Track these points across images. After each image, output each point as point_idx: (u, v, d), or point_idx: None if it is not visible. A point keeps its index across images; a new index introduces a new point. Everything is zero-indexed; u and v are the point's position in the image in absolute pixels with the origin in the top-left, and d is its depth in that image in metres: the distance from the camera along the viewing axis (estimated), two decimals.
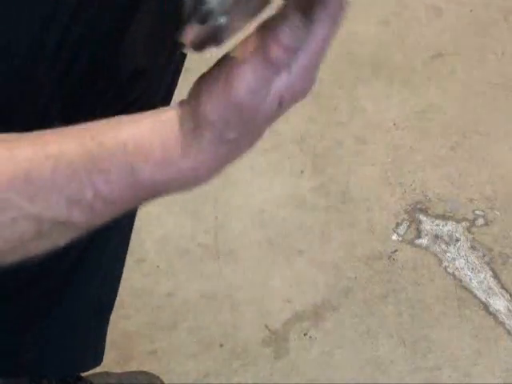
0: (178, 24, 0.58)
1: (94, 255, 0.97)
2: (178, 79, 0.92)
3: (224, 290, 1.44)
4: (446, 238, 1.51)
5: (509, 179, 1.59)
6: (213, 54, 0.63)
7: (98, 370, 1.27)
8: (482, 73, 1.78)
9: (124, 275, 1.08)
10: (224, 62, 0.54)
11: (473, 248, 1.49)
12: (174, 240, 1.49)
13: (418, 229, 1.52)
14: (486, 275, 1.46)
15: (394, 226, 1.53)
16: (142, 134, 0.54)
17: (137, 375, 1.30)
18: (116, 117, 0.56)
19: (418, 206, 1.56)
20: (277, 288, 1.44)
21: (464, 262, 1.47)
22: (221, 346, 1.37)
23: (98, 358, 1.12)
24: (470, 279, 1.45)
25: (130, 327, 1.39)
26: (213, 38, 0.54)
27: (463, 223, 1.53)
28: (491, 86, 1.76)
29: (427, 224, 1.53)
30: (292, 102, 0.54)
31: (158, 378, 1.30)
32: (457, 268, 1.47)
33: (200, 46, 0.57)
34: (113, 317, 1.12)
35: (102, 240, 0.97)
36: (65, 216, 0.54)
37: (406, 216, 1.54)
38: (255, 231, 1.51)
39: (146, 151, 0.54)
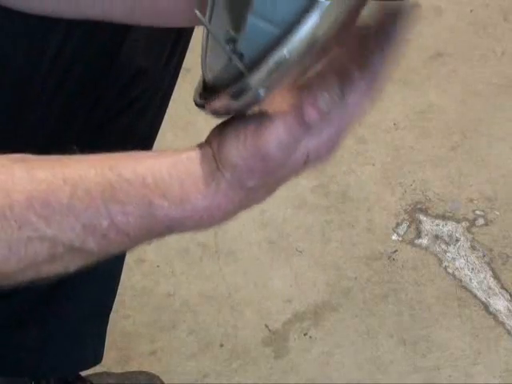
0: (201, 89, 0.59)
1: None
2: (177, 78, 0.92)
3: (224, 290, 1.44)
4: (445, 238, 1.51)
5: (509, 179, 1.59)
6: None
7: (97, 370, 1.27)
8: (482, 73, 1.78)
9: (124, 275, 1.08)
10: (255, 112, 0.54)
11: (473, 248, 1.49)
12: (173, 240, 1.49)
13: (417, 229, 1.52)
14: (486, 275, 1.45)
15: (394, 225, 1.53)
16: (162, 170, 0.54)
17: (137, 375, 1.30)
18: (136, 151, 0.57)
19: (418, 206, 1.56)
20: (277, 288, 1.44)
21: (464, 262, 1.47)
22: (221, 346, 1.37)
23: (97, 357, 1.12)
24: (470, 279, 1.45)
25: (130, 327, 1.39)
26: (244, 109, 0.55)
27: (463, 223, 1.53)
28: (491, 85, 1.76)
29: (427, 224, 1.53)
30: (315, 163, 0.55)
31: (158, 377, 1.30)
32: (457, 268, 1.47)
33: (223, 114, 0.57)
34: (113, 317, 1.12)
35: None
36: (79, 242, 0.54)
37: (406, 216, 1.54)
38: (255, 231, 1.51)
39: (164, 187, 0.54)
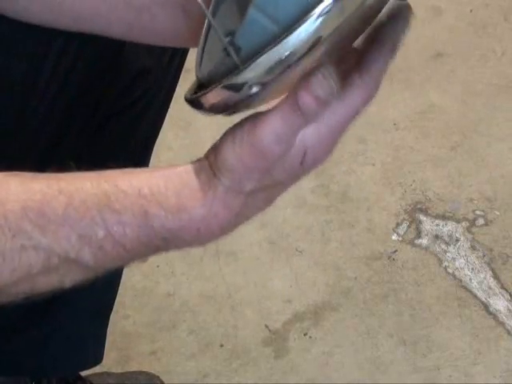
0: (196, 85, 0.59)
1: None
2: (179, 78, 0.92)
3: (224, 290, 1.44)
4: (446, 238, 1.51)
5: (509, 179, 1.59)
6: None
7: (97, 370, 1.27)
8: (482, 73, 1.78)
9: (124, 275, 1.08)
10: (252, 114, 0.54)
11: (473, 248, 1.49)
12: None
13: (417, 229, 1.52)
14: (486, 275, 1.45)
15: (394, 225, 1.53)
16: (158, 182, 0.54)
17: (137, 375, 1.30)
18: (130, 168, 0.57)
19: (418, 206, 1.56)
20: (277, 288, 1.44)
21: (464, 262, 1.47)
22: (221, 346, 1.37)
23: (98, 358, 1.12)
24: (470, 279, 1.45)
25: (130, 327, 1.39)
26: (238, 105, 0.54)
27: (463, 223, 1.53)
28: (491, 86, 1.76)
29: (427, 224, 1.53)
30: (312, 164, 0.54)
31: (158, 377, 1.30)
32: (457, 268, 1.47)
33: (220, 110, 0.57)
34: (113, 317, 1.12)
35: None
36: (74, 253, 0.54)
37: (406, 216, 1.54)
38: (255, 231, 1.52)
39: (161, 197, 0.54)
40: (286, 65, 0.51)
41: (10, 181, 0.54)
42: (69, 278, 0.56)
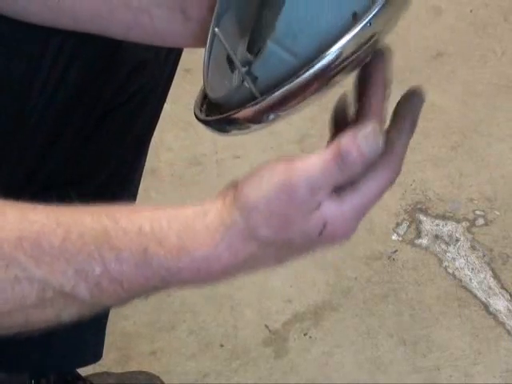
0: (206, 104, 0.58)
1: None
2: (175, 71, 0.92)
3: (224, 290, 1.44)
4: (446, 238, 1.51)
5: (509, 179, 1.59)
6: None
7: (98, 370, 1.27)
8: (482, 73, 1.78)
9: None
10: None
11: (473, 248, 1.49)
12: None
13: (417, 229, 1.52)
14: (486, 275, 1.45)
15: (394, 225, 1.53)
16: (161, 220, 0.53)
17: (137, 375, 1.30)
18: (134, 205, 0.55)
19: (418, 206, 1.56)
20: (277, 288, 1.44)
21: (464, 262, 1.47)
22: (221, 346, 1.37)
23: (97, 355, 1.12)
24: (470, 279, 1.45)
25: (130, 327, 1.39)
26: (252, 130, 0.55)
27: (463, 223, 1.53)
28: (491, 85, 1.76)
29: (427, 224, 1.53)
30: (329, 240, 0.54)
31: (158, 378, 1.30)
32: (457, 268, 1.47)
33: (232, 133, 0.57)
34: (113, 317, 1.12)
35: None
36: (70, 287, 0.52)
37: (406, 216, 1.54)
38: None
39: (162, 235, 0.52)
40: (304, 96, 0.52)
41: (7, 209, 0.53)
42: (65, 313, 0.54)
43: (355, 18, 0.53)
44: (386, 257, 1.48)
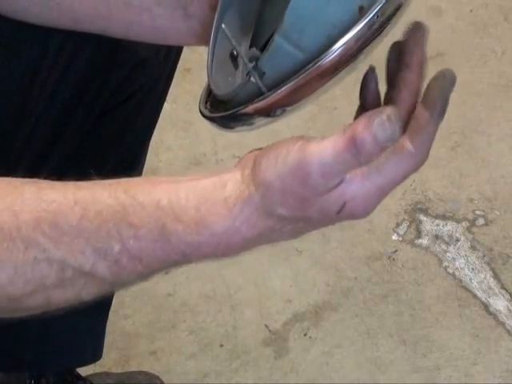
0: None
1: None
2: (175, 69, 0.92)
3: (224, 290, 1.44)
4: (446, 237, 1.51)
5: (509, 179, 1.59)
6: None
7: (97, 370, 1.27)
8: (482, 73, 1.78)
9: None
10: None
11: (473, 248, 1.49)
12: None
13: (417, 229, 1.52)
14: (486, 275, 1.45)
15: (394, 225, 1.53)
16: (178, 193, 0.52)
17: (137, 375, 1.30)
18: (153, 177, 0.55)
19: (418, 206, 1.56)
20: (277, 288, 1.44)
21: (464, 262, 1.47)
22: (221, 346, 1.37)
23: (96, 354, 1.12)
24: (470, 279, 1.45)
25: (130, 327, 1.39)
26: (260, 126, 0.56)
27: (463, 223, 1.53)
28: (491, 85, 1.76)
29: (427, 224, 1.53)
30: (347, 217, 0.52)
31: (157, 377, 1.30)
32: (457, 268, 1.47)
33: (239, 129, 0.57)
34: (113, 317, 1.12)
35: None
36: (89, 266, 0.52)
37: (406, 216, 1.54)
38: None
39: (180, 209, 0.52)
40: (311, 90, 0.52)
41: (26, 189, 0.53)
42: (85, 292, 0.54)
43: (362, 11, 0.53)
44: (386, 257, 1.48)
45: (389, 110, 0.50)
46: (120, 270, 0.53)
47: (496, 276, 1.45)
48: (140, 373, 1.31)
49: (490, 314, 1.41)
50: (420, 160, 0.54)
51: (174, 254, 0.53)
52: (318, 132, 1.63)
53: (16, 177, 0.56)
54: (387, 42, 0.57)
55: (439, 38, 1.84)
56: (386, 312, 1.41)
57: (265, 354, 1.36)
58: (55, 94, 0.80)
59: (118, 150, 0.92)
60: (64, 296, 0.54)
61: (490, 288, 1.44)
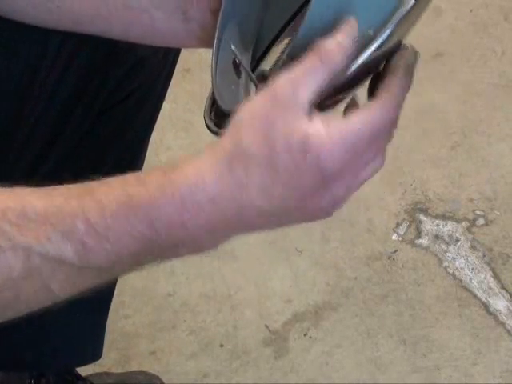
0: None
1: None
2: (174, 68, 0.92)
3: (224, 290, 1.44)
4: (446, 237, 1.51)
5: (509, 179, 1.59)
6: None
7: (97, 370, 1.27)
8: (482, 73, 1.78)
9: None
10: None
11: (473, 248, 1.49)
12: None
13: (418, 229, 1.52)
14: (486, 275, 1.45)
15: (394, 225, 1.53)
16: (148, 172, 0.52)
17: (137, 375, 1.30)
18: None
19: (418, 206, 1.56)
20: (277, 288, 1.44)
21: (464, 262, 1.47)
22: (221, 346, 1.37)
23: (96, 353, 1.12)
24: (470, 279, 1.45)
25: (130, 327, 1.39)
26: None
27: (463, 223, 1.53)
28: (491, 85, 1.76)
29: (427, 224, 1.53)
30: (311, 164, 0.50)
31: (157, 377, 1.30)
32: (457, 268, 1.47)
33: None
34: (113, 317, 1.12)
35: None
36: (55, 251, 0.51)
37: (406, 216, 1.54)
38: None
39: (146, 177, 0.51)
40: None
41: None
42: (54, 281, 0.53)
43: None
44: (386, 257, 1.48)
45: (348, 25, 0.53)
46: (87, 252, 0.51)
47: (496, 276, 1.45)
48: (140, 373, 1.31)
49: (490, 313, 1.40)
50: (387, 116, 0.53)
51: (141, 224, 0.51)
52: None
53: (16, 177, 0.56)
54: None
55: (439, 37, 1.84)
56: (386, 312, 1.41)
57: (265, 354, 1.36)
58: (54, 93, 0.80)
59: (117, 149, 0.92)
60: (32, 287, 0.53)
61: (490, 288, 1.44)
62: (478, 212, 1.54)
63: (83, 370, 1.22)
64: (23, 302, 0.54)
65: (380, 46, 0.53)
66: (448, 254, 1.49)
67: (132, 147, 0.94)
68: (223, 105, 0.59)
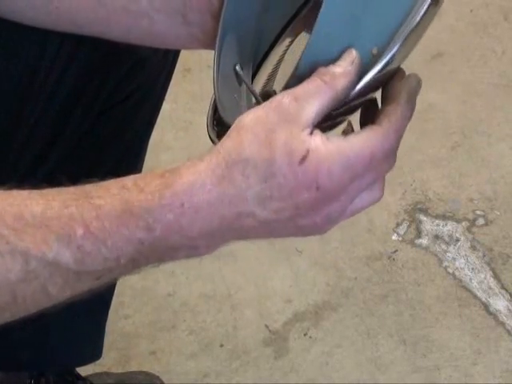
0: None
1: None
2: (174, 67, 0.92)
3: (224, 290, 1.44)
4: (446, 237, 1.51)
5: (509, 179, 1.59)
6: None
7: (97, 370, 1.27)
8: (482, 73, 1.78)
9: None
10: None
11: (473, 248, 1.49)
12: None
13: (418, 229, 1.52)
14: (486, 275, 1.45)
15: (394, 225, 1.53)
16: (145, 176, 0.52)
17: (137, 375, 1.30)
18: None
19: (418, 206, 1.56)
20: (277, 288, 1.44)
21: (464, 262, 1.47)
22: (221, 346, 1.37)
23: (96, 353, 1.12)
24: (470, 279, 1.45)
25: (130, 327, 1.39)
26: None
27: (463, 223, 1.53)
28: (491, 85, 1.76)
29: (427, 224, 1.53)
30: (308, 176, 0.51)
31: (157, 377, 1.30)
32: (457, 268, 1.47)
33: None
34: (112, 317, 1.12)
35: None
36: (52, 255, 0.51)
37: (406, 216, 1.54)
38: None
39: (144, 183, 0.52)
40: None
41: None
42: (51, 284, 0.53)
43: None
44: (386, 257, 1.48)
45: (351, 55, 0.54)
46: (84, 256, 0.51)
47: (496, 276, 1.45)
48: (140, 373, 1.31)
49: (490, 313, 1.40)
50: (387, 142, 0.54)
51: (138, 228, 0.51)
52: None
53: (15, 177, 0.56)
54: None
55: (439, 38, 1.84)
56: (386, 312, 1.41)
57: (265, 354, 1.36)
58: (54, 94, 0.80)
59: (117, 150, 0.92)
60: (30, 290, 0.53)
61: (490, 288, 1.44)
62: (477, 212, 1.54)
63: (83, 370, 1.22)
64: (21, 305, 0.53)
65: (385, 66, 0.53)
66: (448, 253, 1.49)
67: (132, 147, 0.94)
68: (225, 116, 0.59)
